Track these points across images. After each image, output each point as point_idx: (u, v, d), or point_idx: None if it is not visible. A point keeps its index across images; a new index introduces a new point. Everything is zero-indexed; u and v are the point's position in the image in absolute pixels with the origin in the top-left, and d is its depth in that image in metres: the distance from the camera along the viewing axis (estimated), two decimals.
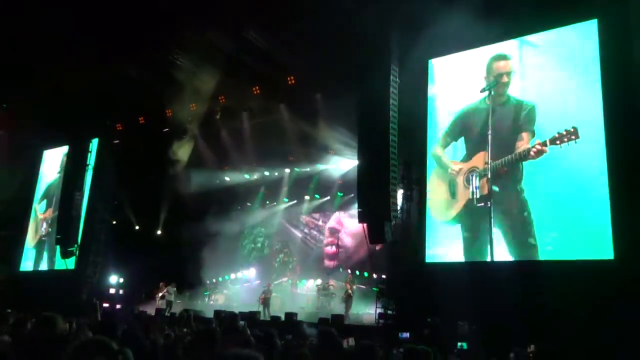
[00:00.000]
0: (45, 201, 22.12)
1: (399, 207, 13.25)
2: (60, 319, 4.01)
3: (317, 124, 16.81)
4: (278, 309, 16.87)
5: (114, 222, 20.76)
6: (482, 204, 12.17)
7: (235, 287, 22.07)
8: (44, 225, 21.59)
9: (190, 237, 20.21)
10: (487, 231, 11.88)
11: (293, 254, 22.41)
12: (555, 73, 11.79)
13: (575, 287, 9.90)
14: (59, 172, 21.57)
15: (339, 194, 20.76)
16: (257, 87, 17.19)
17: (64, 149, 21.08)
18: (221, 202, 21.87)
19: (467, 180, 12.59)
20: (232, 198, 22.28)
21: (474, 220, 12.33)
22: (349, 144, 16.02)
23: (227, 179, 22.00)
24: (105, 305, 16.69)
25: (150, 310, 16.42)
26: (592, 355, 9.07)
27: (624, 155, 10.50)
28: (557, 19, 11.82)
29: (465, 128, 13.00)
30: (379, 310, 13.50)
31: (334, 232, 21.45)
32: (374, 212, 12.40)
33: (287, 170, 21.78)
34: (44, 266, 20.89)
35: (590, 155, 10.85)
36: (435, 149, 13.42)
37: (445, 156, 13.21)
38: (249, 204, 23.22)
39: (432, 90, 13.81)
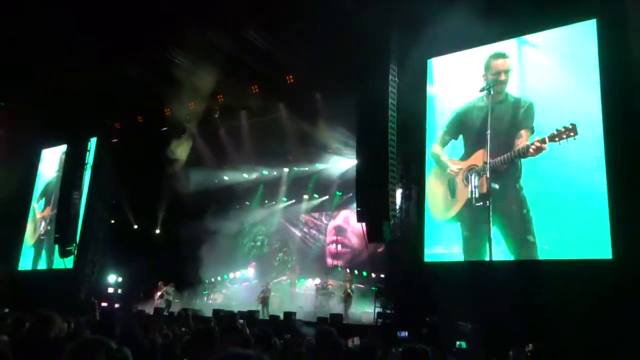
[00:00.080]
0: (43, 199, 22.11)
1: (397, 207, 13.25)
2: (58, 319, 4.00)
3: (316, 123, 16.80)
4: (277, 308, 16.86)
5: (113, 221, 20.72)
6: (481, 203, 12.18)
7: (234, 287, 22.06)
8: (43, 224, 21.57)
9: (189, 236, 20.18)
10: (486, 230, 11.90)
11: (292, 253, 22.40)
12: (554, 71, 11.81)
13: (574, 287, 9.91)
14: (57, 171, 21.55)
15: (337, 193, 20.76)
16: (256, 86, 17.18)
17: (63, 147, 21.06)
18: (220, 201, 21.86)
19: (466, 179, 12.60)
20: (231, 197, 22.26)
21: (473, 219, 12.33)
22: (348, 143, 16.03)
23: (225, 178, 21.99)
24: (104, 304, 16.64)
25: (149, 309, 16.39)
26: (591, 354, 9.08)
27: (622, 154, 10.50)
28: (556, 19, 11.83)
29: (464, 126, 13.01)
30: (377, 310, 13.50)
31: (341, 230, 21.34)
32: (373, 212, 12.40)
33: (286, 170, 21.78)
34: (42, 265, 20.88)
35: (589, 153, 10.87)
36: (434, 147, 13.42)
37: (444, 155, 13.21)
38: (247, 203, 23.21)
39: (431, 89, 13.81)
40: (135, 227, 21.85)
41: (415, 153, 13.71)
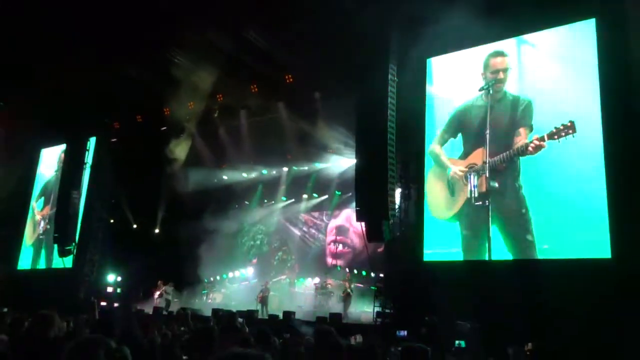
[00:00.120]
0: (42, 199, 22.09)
1: (397, 206, 13.25)
2: (57, 318, 4.00)
3: (315, 122, 16.81)
4: (276, 307, 16.86)
5: (112, 221, 20.70)
6: (480, 202, 12.18)
7: (233, 286, 22.05)
8: (42, 223, 21.55)
9: (188, 236, 20.16)
10: (486, 229, 11.90)
11: (292, 252, 22.39)
12: (553, 70, 11.81)
13: (573, 286, 9.92)
14: (56, 171, 21.53)
15: (337, 192, 20.75)
16: (255, 86, 17.17)
17: (62, 147, 21.05)
18: (219, 201, 21.85)
19: (466, 178, 12.60)
20: (230, 196, 22.26)
21: (472, 218, 12.31)
22: (348, 142, 16.03)
23: (224, 177, 21.99)
24: (103, 303, 16.62)
25: (148, 308, 16.38)
26: (590, 353, 9.09)
27: (622, 153, 10.51)
28: (555, 18, 11.84)
29: (463, 125, 13.00)
30: (377, 309, 13.51)
31: (343, 230, 21.28)
32: (372, 211, 12.39)
33: (285, 169, 21.78)
34: (41, 264, 20.86)
35: (588, 152, 10.88)
36: (433, 146, 13.41)
37: (443, 154, 13.21)
38: (247, 202, 23.20)
39: (431, 89, 13.81)
40: (135, 226, 21.85)
41: (415, 152, 13.71)
